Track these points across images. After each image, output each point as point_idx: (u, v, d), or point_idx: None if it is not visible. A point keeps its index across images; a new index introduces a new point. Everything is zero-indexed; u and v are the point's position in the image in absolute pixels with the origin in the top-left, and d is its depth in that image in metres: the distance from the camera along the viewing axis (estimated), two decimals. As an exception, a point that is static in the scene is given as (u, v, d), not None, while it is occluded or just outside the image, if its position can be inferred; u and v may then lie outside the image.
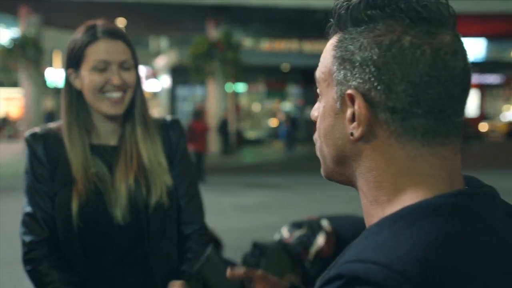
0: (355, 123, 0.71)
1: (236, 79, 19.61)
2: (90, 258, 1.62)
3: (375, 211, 0.72)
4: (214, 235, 3.06)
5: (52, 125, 1.72)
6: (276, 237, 2.24)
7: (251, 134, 25.00)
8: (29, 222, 1.62)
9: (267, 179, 12.29)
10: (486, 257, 0.63)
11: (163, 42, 34.71)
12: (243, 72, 18.43)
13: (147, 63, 29.51)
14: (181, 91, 25.58)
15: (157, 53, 30.31)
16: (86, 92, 1.62)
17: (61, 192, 1.61)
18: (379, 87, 0.68)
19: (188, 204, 1.76)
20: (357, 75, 0.70)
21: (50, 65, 26.56)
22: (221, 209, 8.44)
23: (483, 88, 30.71)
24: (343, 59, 0.72)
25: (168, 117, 1.81)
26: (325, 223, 2.21)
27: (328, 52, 0.76)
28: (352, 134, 0.72)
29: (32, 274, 1.59)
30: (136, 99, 1.69)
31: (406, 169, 0.69)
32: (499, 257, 0.64)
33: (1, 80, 18.57)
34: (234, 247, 5.18)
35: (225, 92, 19.08)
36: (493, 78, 30.29)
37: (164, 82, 26.67)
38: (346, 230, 2.19)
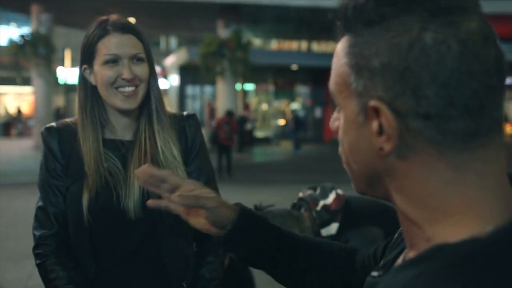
0: (383, 137, 0.62)
1: (245, 78, 19.64)
2: (100, 253, 1.62)
3: (419, 231, 0.63)
4: None
5: (69, 119, 1.71)
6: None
7: (259, 133, 25.01)
8: (40, 216, 1.63)
9: (275, 178, 12.31)
10: None
11: (174, 42, 34.80)
12: (252, 72, 18.47)
13: (157, 62, 29.45)
14: (190, 90, 25.64)
15: (168, 53, 30.38)
16: (100, 87, 1.61)
17: (73, 186, 1.61)
18: (405, 94, 0.59)
19: None
20: (378, 84, 0.61)
21: (61, 63, 26.72)
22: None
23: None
24: (359, 68, 0.63)
25: (185, 112, 1.79)
26: (339, 190, 2.31)
27: (340, 59, 0.67)
28: (381, 149, 0.62)
29: (40, 268, 1.61)
30: (151, 93, 1.68)
31: (450, 181, 0.60)
32: None
33: (12, 77, 18.71)
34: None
35: (235, 91, 19.11)
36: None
37: (173, 80, 26.74)
38: (359, 203, 2.29)
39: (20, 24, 26.40)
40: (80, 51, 1.65)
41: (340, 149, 0.72)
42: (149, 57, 1.67)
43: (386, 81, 0.60)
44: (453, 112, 0.58)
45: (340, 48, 0.67)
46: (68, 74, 27.11)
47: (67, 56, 28.40)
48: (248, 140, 21.02)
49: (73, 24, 20.60)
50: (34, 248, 1.63)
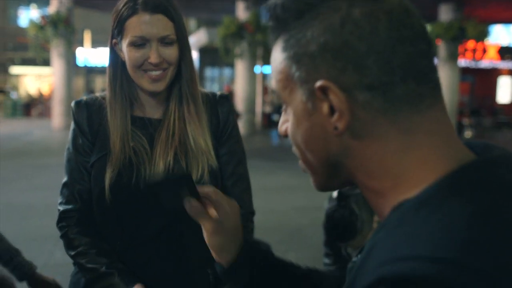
0: (335, 115, 0.64)
1: (264, 61, 19.56)
2: (126, 231, 1.60)
3: (383, 200, 0.66)
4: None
5: (98, 94, 1.67)
6: (325, 204, 2.21)
7: (277, 117, 24.97)
8: (64, 192, 1.63)
9: (293, 161, 12.29)
10: None
11: (193, 23, 34.74)
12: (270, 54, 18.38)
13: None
14: (209, 72, 25.63)
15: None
16: (128, 66, 1.56)
17: (97, 163, 1.58)
18: (348, 68, 0.63)
19: (234, 186, 1.68)
20: (320, 66, 0.64)
21: (81, 45, 26.83)
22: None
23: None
24: (298, 56, 0.66)
25: (218, 93, 1.73)
26: None
27: (278, 58, 0.71)
28: (336, 128, 0.65)
29: (63, 239, 1.61)
30: (182, 74, 1.59)
31: (404, 145, 0.63)
32: None
33: (33, 58, 18.87)
34: (261, 228, 5.22)
35: (253, 74, 19.05)
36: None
37: (192, 63, 26.72)
38: None
39: (40, 5, 26.52)
40: (111, 25, 1.58)
41: (294, 147, 0.74)
42: (181, 37, 1.57)
43: (327, 60, 0.64)
44: (395, 78, 0.62)
45: (276, 49, 0.71)
46: (88, 55, 27.24)
47: (87, 37, 28.51)
48: (264, 124, 21.07)
49: (93, 5, 20.63)
50: (57, 222, 1.62)
